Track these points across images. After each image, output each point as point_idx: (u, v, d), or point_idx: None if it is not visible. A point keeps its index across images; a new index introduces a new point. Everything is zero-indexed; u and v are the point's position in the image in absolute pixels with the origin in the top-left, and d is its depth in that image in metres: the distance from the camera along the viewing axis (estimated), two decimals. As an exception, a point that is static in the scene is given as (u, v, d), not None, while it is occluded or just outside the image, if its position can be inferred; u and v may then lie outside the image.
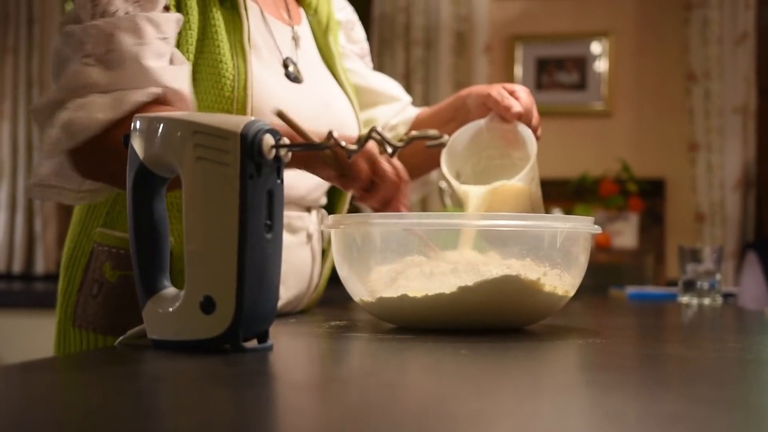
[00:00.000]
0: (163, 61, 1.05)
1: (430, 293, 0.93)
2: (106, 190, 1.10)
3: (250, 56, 1.12)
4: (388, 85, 1.43)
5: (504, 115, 1.16)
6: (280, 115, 0.89)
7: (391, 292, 0.95)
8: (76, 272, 1.14)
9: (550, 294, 0.95)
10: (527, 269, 0.92)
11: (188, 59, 1.09)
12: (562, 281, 0.95)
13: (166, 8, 1.08)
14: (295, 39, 1.25)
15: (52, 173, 1.05)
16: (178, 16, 1.08)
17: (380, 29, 3.52)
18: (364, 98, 1.40)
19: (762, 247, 2.89)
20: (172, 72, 1.04)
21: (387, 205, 1.05)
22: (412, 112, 1.41)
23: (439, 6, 3.51)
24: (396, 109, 1.40)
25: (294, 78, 1.20)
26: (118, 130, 1.00)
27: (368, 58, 1.46)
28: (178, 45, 1.09)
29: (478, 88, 1.22)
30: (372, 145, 0.98)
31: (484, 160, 1.20)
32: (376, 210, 1.06)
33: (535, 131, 1.19)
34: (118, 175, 1.06)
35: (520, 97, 1.18)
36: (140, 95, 1.01)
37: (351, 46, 1.41)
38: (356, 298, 1.01)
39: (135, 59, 1.02)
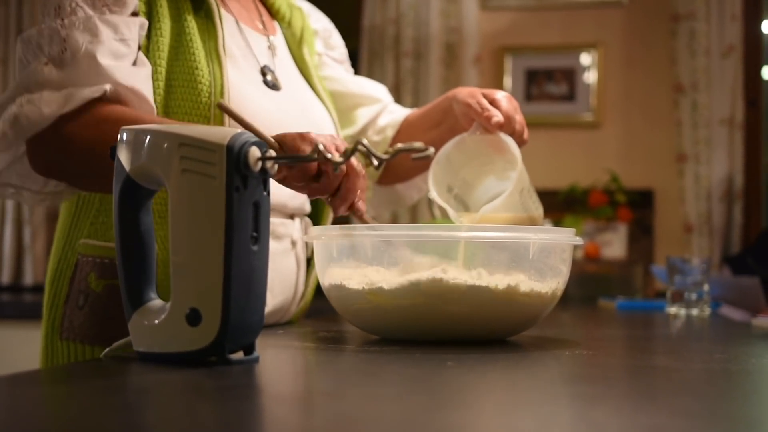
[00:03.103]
0: (121, 61, 1.05)
1: (402, 304, 0.93)
2: (68, 192, 1.10)
3: (226, 62, 1.12)
4: (367, 87, 1.42)
5: (485, 126, 1.16)
6: (222, 107, 0.84)
7: (365, 303, 0.95)
8: (62, 285, 1.14)
9: (526, 304, 0.95)
10: (497, 280, 0.93)
11: (161, 65, 1.10)
12: (540, 292, 0.96)
13: (134, 14, 1.09)
14: (272, 48, 1.25)
15: (8, 170, 1.06)
16: (142, 20, 1.09)
17: (370, 41, 3.53)
18: (344, 102, 1.39)
19: (735, 264, 2.89)
20: (127, 70, 1.04)
21: (347, 195, 0.96)
22: (400, 114, 1.40)
23: (428, 18, 3.52)
24: (376, 110, 1.39)
25: (272, 85, 1.20)
26: (68, 125, 1.01)
27: (348, 64, 1.46)
28: (150, 51, 1.10)
29: (462, 94, 1.21)
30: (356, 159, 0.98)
31: (476, 168, 1.21)
32: (336, 207, 0.98)
33: (520, 135, 1.19)
34: (71, 171, 1.06)
35: (500, 105, 1.18)
36: (90, 91, 1.02)
37: (329, 51, 1.41)
38: (335, 306, 1.02)
39: (88, 56, 1.03)
